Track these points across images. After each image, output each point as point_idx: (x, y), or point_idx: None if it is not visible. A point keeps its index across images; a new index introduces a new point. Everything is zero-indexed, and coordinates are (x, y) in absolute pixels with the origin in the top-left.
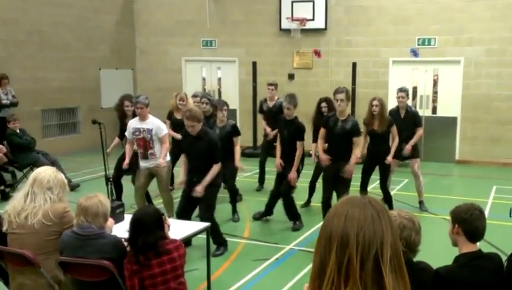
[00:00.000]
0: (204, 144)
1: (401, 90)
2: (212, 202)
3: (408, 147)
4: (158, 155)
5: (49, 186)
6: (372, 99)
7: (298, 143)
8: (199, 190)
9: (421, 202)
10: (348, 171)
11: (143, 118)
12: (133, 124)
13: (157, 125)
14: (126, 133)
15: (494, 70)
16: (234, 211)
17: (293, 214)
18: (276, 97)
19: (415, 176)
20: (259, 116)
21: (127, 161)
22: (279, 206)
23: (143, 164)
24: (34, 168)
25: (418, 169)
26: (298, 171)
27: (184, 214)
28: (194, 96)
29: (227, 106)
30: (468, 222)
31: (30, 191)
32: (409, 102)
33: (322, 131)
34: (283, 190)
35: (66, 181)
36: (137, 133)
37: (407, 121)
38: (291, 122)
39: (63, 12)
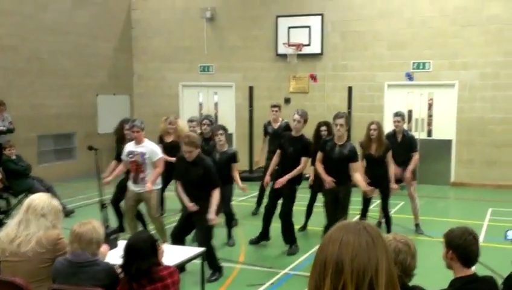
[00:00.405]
0: (201, 170)
1: (396, 114)
2: (211, 227)
3: (408, 175)
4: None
5: (43, 213)
6: (370, 123)
7: (303, 159)
8: (212, 217)
9: (417, 225)
10: (368, 192)
11: (138, 142)
12: (128, 147)
13: (151, 149)
14: (122, 156)
15: (488, 93)
16: (229, 235)
17: (290, 237)
18: (280, 119)
19: (411, 199)
20: (256, 140)
21: (109, 177)
22: (275, 229)
23: (132, 187)
24: (29, 195)
25: (414, 191)
26: (294, 189)
27: (179, 235)
28: (190, 120)
29: (224, 129)
30: (462, 248)
31: (24, 218)
32: (405, 125)
33: (320, 155)
34: (282, 213)
35: (60, 208)
36: (130, 155)
37: (403, 145)
38: (298, 140)
39: (62, 40)
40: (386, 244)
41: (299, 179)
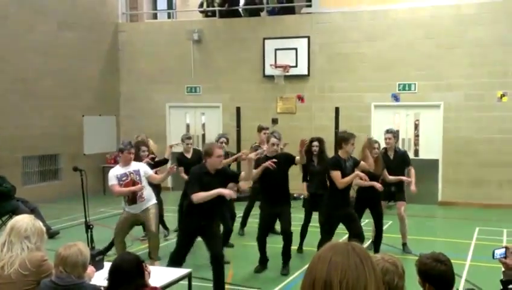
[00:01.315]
0: (221, 176)
1: (387, 131)
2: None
3: (413, 188)
4: (146, 198)
5: (26, 235)
6: (374, 142)
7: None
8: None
9: (404, 244)
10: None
11: (128, 163)
12: (117, 171)
13: (141, 165)
14: (113, 182)
15: (473, 114)
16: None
17: (289, 256)
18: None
19: (401, 219)
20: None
21: (138, 186)
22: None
23: (130, 210)
24: (14, 216)
25: (404, 212)
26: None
27: (183, 258)
28: (188, 138)
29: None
30: (436, 279)
31: (7, 241)
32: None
33: (338, 173)
34: (286, 229)
35: (44, 229)
36: (124, 178)
37: (396, 161)
38: (277, 156)
39: (48, 61)
40: (375, 265)
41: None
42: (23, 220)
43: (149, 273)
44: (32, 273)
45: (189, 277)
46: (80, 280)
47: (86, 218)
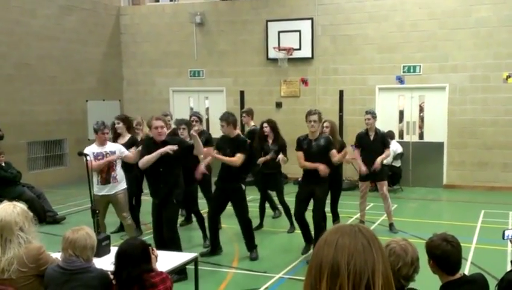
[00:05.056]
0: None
1: (367, 112)
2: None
3: (376, 165)
4: (119, 181)
5: (19, 226)
6: (324, 121)
7: (237, 155)
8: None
9: (391, 225)
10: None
11: (103, 144)
12: (93, 149)
13: (117, 145)
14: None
15: (478, 96)
16: (205, 236)
17: (250, 243)
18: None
19: (384, 198)
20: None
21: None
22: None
23: (100, 191)
24: (20, 202)
25: (386, 191)
26: (241, 189)
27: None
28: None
29: (187, 124)
30: (441, 258)
31: (1, 242)
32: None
33: (300, 154)
34: (238, 216)
35: (25, 208)
36: (99, 157)
37: (376, 143)
38: (233, 140)
39: (50, 46)
40: (382, 246)
41: (244, 178)
42: (6, 213)
43: (156, 257)
44: (32, 268)
45: (195, 261)
46: (87, 263)
47: (91, 203)
